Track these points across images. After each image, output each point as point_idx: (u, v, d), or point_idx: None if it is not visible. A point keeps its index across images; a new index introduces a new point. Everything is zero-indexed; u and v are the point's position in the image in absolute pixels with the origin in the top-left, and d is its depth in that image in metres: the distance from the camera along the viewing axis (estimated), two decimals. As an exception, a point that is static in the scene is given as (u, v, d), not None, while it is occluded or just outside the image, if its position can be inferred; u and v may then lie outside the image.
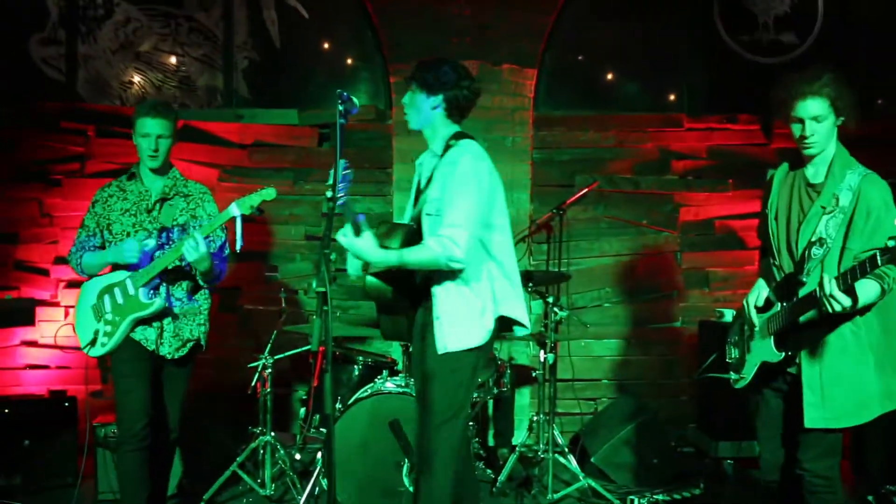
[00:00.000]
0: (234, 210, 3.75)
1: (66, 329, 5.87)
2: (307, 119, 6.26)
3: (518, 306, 3.44)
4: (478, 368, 3.38)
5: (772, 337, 3.27)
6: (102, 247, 4.01)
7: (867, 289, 2.98)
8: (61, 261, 5.93)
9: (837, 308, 2.91)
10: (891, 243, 2.67)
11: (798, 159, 3.31)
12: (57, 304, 5.95)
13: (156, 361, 3.98)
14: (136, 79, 6.44)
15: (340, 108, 2.91)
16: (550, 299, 5.08)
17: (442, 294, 3.32)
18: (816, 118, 3.11)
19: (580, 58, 6.60)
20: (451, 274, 3.29)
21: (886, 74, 6.42)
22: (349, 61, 6.52)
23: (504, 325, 3.46)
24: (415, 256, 3.22)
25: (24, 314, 5.01)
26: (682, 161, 6.37)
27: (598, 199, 6.22)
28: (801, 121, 3.14)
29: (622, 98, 6.63)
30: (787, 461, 3.37)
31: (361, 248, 3.24)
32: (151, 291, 3.90)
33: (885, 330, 3.16)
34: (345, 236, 3.28)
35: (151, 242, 3.89)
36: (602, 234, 6.33)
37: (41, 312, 5.82)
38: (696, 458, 5.74)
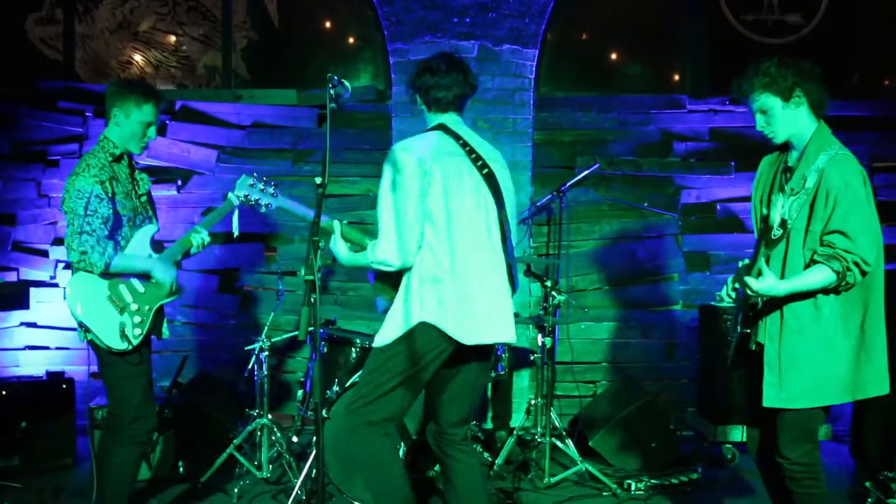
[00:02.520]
0: (235, 200, 3.83)
1: (65, 309, 5.92)
2: (306, 99, 6.21)
3: (454, 313, 3.26)
4: (389, 365, 3.32)
5: (740, 314, 3.29)
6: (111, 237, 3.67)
7: (807, 276, 3.02)
8: (60, 242, 5.93)
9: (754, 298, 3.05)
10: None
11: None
12: (56, 286, 5.95)
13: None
14: (135, 58, 6.40)
15: (332, 92, 2.87)
16: (549, 283, 5.05)
17: None
18: (762, 111, 3.15)
19: (582, 38, 6.54)
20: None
21: (894, 54, 6.34)
22: (349, 41, 6.48)
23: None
24: (361, 260, 3.37)
25: (18, 298, 4.98)
26: (685, 143, 6.31)
27: (599, 181, 6.18)
28: (754, 115, 3.21)
29: (624, 79, 6.58)
30: (764, 442, 3.36)
31: (333, 247, 3.44)
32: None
33: (871, 317, 3.14)
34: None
35: (155, 228, 3.88)
36: (603, 217, 6.29)
37: (40, 294, 5.84)
38: (695, 442, 5.73)
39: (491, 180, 3.45)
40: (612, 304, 6.29)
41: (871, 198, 3.09)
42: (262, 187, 3.66)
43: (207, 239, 3.92)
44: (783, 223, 3.09)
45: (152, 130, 3.80)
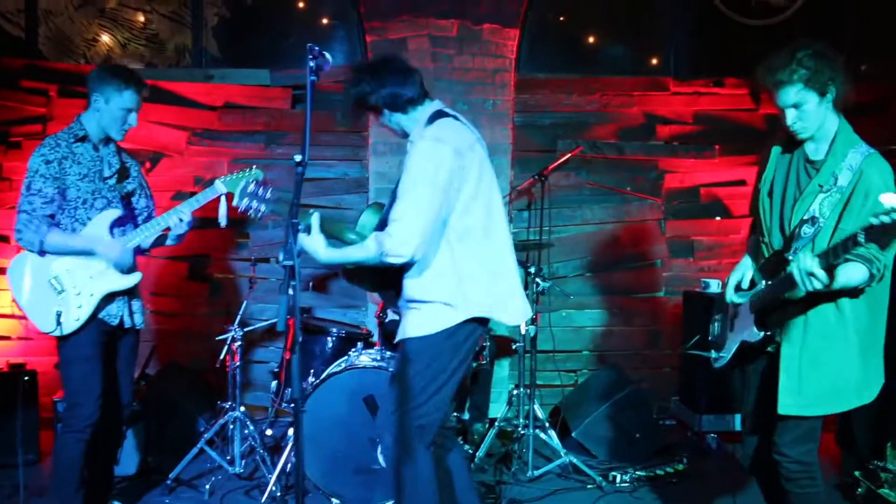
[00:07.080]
0: (221, 188, 3.87)
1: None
2: (280, 80, 6.01)
3: (495, 300, 3.22)
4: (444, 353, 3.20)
5: (753, 315, 3.13)
6: (53, 216, 3.62)
7: (850, 271, 2.81)
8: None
9: (815, 286, 2.73)
10: (874, 221, 2.49)
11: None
12: (18, 272, 5.71)
13: (113, 336, 3.80)
14: (101, 37, 6.15)
15: (311, 64, 2.69)
16: (532, 269, 4.91)
17: (407, 282, 3.23)
18: (795, 105, 2.94)
19: (564, 18, 6.39)
20: (412, 267, 3.18)
21: (876, 36, 6.24)
22: (324, 20, 6.27)
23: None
24: (356, 255, 3.11)
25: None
26: (668, 126, 6.19)
27: (580, 164, 6.04)
28: (783, 110, 2.98)
29: (607, 60, 6.43)
30: (765, 443, 3.25)
31: (309, 247, 3.13)
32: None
33: (872, 316, 3.01)
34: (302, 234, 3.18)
35: (118, 213, 3.76)
36: (584, 202, 6.16)
37: (1, 281, 5.59)
38: (678, 432, 5.64)
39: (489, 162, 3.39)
40: (594, 290, 6.17)
41: None
42: (261, 192, 3.49)
43: (187, 217, 3.83)
44: (813, 220, 2.94)
45: (133, 117, 3.76)
